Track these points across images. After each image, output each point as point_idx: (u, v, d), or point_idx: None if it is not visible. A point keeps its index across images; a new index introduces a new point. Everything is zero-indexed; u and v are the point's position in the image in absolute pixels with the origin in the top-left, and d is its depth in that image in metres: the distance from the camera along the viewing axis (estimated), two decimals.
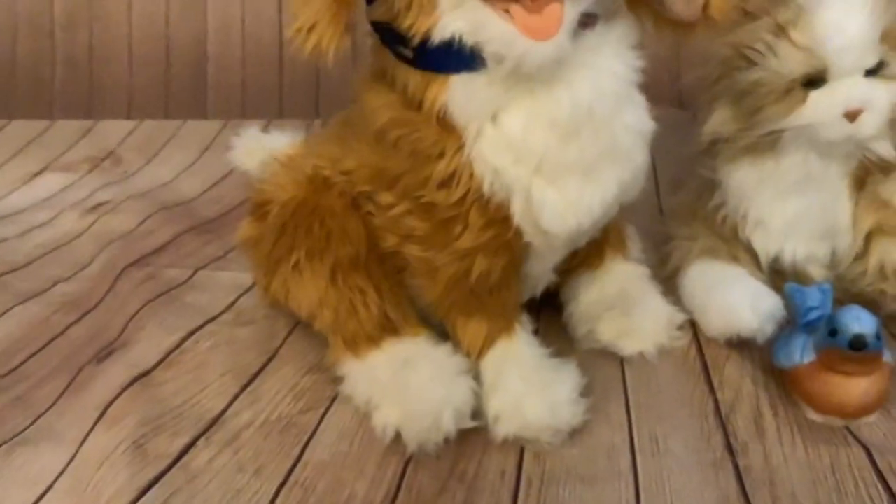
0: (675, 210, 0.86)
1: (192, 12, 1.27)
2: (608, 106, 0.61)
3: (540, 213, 0.62)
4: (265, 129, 1.11)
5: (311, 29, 0.59)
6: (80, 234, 0.99)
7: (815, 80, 0.71)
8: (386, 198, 0.67)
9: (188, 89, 1.27)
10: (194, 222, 0.99)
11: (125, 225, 0.99)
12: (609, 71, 0.62)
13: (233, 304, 0.83)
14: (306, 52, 0.59)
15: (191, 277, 0.88)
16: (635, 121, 0.64)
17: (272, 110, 1.18)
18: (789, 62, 0.70)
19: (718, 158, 0.79)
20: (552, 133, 0.61)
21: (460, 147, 0.62)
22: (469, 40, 0.58)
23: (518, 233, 0.64)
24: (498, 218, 0.63)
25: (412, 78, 0.62)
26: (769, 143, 0.75)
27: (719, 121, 0.77)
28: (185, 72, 1.27)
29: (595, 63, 0.61)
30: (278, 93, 1.19)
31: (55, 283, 0.88)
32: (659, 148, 1.04)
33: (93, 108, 1.29)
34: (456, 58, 0.59)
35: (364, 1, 0.64)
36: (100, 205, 1.04)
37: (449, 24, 0.58)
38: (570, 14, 0.57)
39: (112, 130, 1.24)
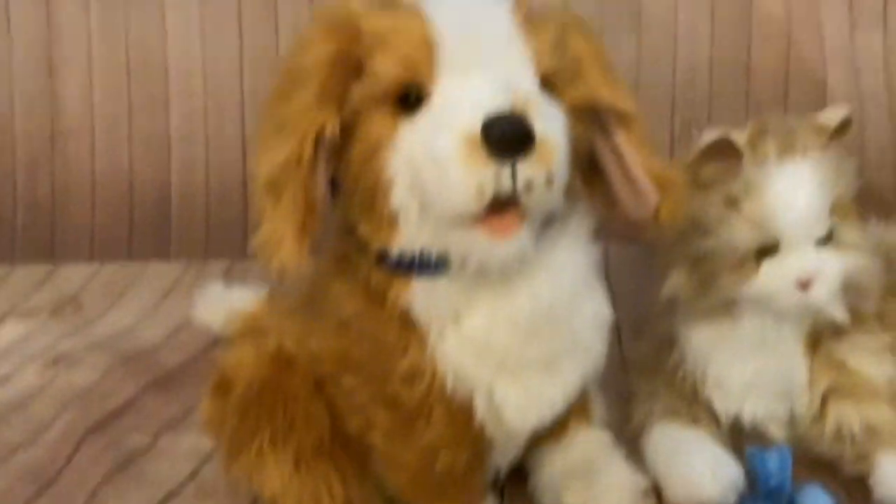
0: (637, 362, 0.88)
1: (155, 152, 1.28)
2: (567, 302, 0.63)
3: (503, 409, 0.63)
4: (229, 270, 1.13)
5: (276, 244, 0.59)
6: (39, 390, 0.96)
7: (767, 250, 0.73)
8: (350, 382, 0.67)
9: (151, 229, 1.27)
10: (155, 376, 0.98)
11: (85, 380, 0.97)
12: (567, 267, 0.63)
13: (195, 473, 0.81)
14: (270, 267, 0.60)
15: (152, 444, 0.86)
16: (594, 312, 0.66)
17: (236, 250, 1.18)
18: (741, 234, 0.72)
19: (677, 317, 0.81)
20: (513, 333, 0.62)
21: (423, 345, 0.63)
22: (433, 250, 0.60)
23: (482, 428, 0.64)
24: (461, 414, 0.64)
25: (374, 273, 0.63)
26: (726, 307, 0.76)
27: (676, 284, 0.78)
28: (148, 212, 1.27)
29: (553, 260, 0.63)
30: (242, 232, 1.19)
31: (15, 451, 0.86)
32: (620, 286, 1.06)
33: (55, 250, 1.29)
34: (418, 262, 0.61)
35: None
36: (60, 358, 1.02)
37: (411, 240, 0.60)
38: (531, 215, 0.58)
39: (73, 274, 1.23)
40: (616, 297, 1.05)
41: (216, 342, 1.01)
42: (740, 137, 0.74)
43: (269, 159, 0.60)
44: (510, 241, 0.57)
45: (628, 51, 1.23)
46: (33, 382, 0.98)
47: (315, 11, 0.62)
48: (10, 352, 1.06)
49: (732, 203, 0.73)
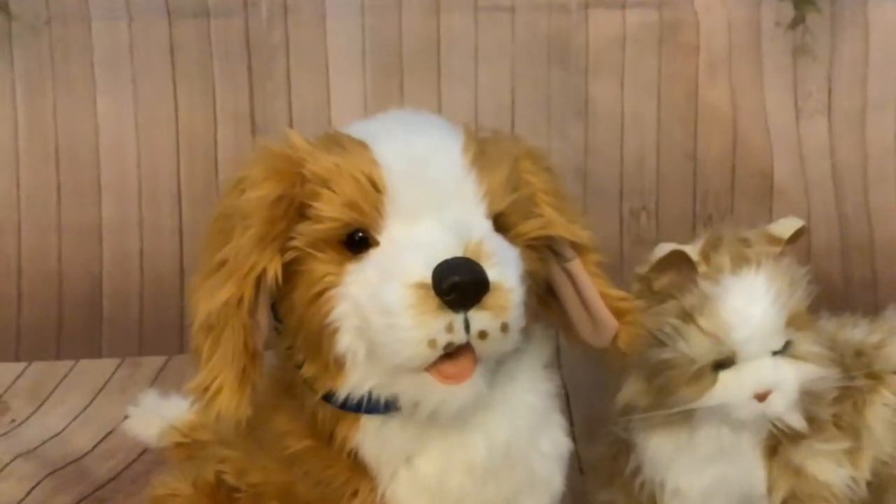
0: (593, 467, 0.86)
1: (86, 246, 1.22)
2: (524, 440, 0.60)
3: None
4: (164, 367, 1.08)
5: (215, 392, 0.56)
6: None
7: (724, 362, 0.71)
8: None
9: (82, 327, 1.21)
10: (85, 489, 0.93)
11: (12, 495, 0.92)
12: (523, 403, 0.61)
13: None
14: (208, 416, 0.56)
15: None
16: (553, 447, 0.63)
17: (172, 346, 1.13)
18: (697, 348, 0.71)
19: (633, 422, 0.79)
20: (469, 476, 0.59)
21: (374, 488, 0.60)
22: (381, 393, 0.57)
23: None
24: None
25: (321, 410, 0.60)
26: (683, 417, 0.74)
27: (632, 392, 0.77)
28: (78, 309, 1.22)
29: (509, 397, 0.60)
30: (179, 328, 1.14)
31: None
32: (575, 382, 1.04)
33: None
34: (366, 403, 0.58)
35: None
36: None
37: (359, 384, 0.57)
38: (484, 359, 0.56)
39: None
40: (571, 392, 1.05)
41: (147, 450, 0.98)
42: (693, 250, 0.74)
43: (208, 300, 0.57)
44: (463, 387, 0.54)
45: (576, 139, 1.23)
46: None
47: (257, 149, 0.60)
48: None
49: (688, 316, 0.72)
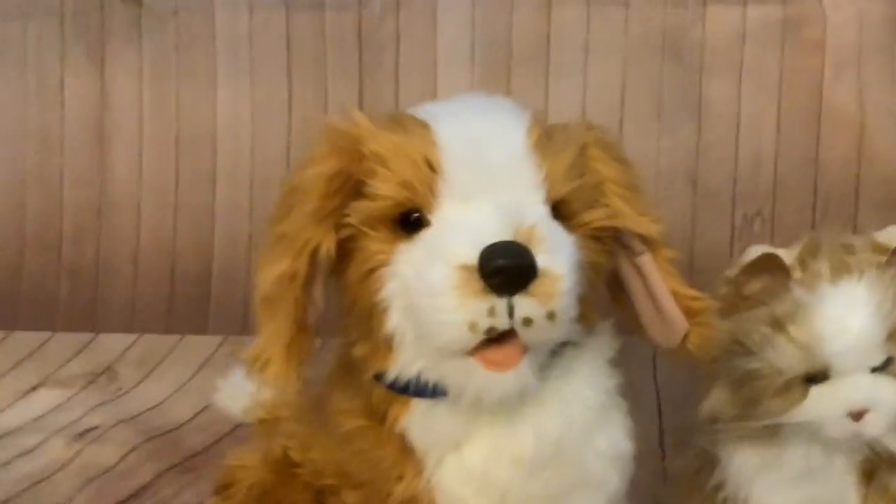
0: (676, 479, 0.81)
1: (199, 228, 1.27)
2: (578, 436, 0.58)
3: None
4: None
5: (264, 364, 0.57)
6: (63, 465, 0.96)
7: (816, 375, 0.66)
8: (350, 497, 0.64)
9: (191, 303, 1.26)
10: (177, 457, 0.97)
11: (108, 458, 0.97)
12: (579, 398, 0.59)
13: None
14: (263, 382, 0.57)
15: None
16: (609, 445, 0.60)
17: None
18: (787, 358, 0.66)
19: (720, 434, 0.74)
20: (516, 468, 0.57)
21: (420, 472, 0.59)
22: (429, 376, 0.56)
23: None
24: None
25: (376, 390, 0.60)
26: (771, 431, 0.70)
27: (717, 402, 0.73)
28: (189, 285, 1.27)
29: (564, 391, 0.58)
30: None
31: None
32: (668, 391, 1.00)
33: (96, 321, 1.28)
34: (415, 387, 0.57)
35: None
36: (88, 430, 1.02)
37: (407, 365, 0.56)
38: (532, 348, 0.54)
39: (111, 344, 1.23)
40: (663, 402, 1.03)
41: (240, 425, 1.00)
42: (789, 254, 0.69)
43: (266, 273, 0.58)
44: (508, 375, 0.53)
45: (687, 139, 1.18)
46: (58, 456, 0.98)
47: (323, 127, 0.60)
48: (40, 421, 1.06)
49: (778, 325, 0.67)
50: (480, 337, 0.52)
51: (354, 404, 0.63)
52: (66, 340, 1.25)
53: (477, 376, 0.53)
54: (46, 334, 1.26)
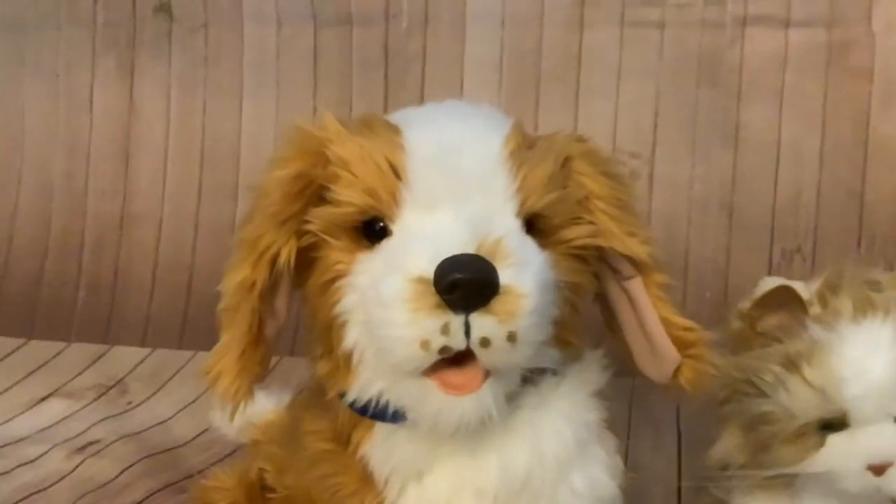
0: None
1: (219, 242, 1.24)
2: (549, 472, 0.54)
3: None
4: (276, 367, 1.08)
5: (216, 376, 0.55)
6: (61, 478, 0.95)
7: (833, 423, 0.61)
8: None
9: (206, 319, 1.22)
10: (173, 477, 0.94)
11: (106, 473, 0.95)
12: (553, 431, 0.54)
13: None
14: (214, 398, 0.55)
15: None
16: (587, 485, 0.55)
17: (284, 347, 1.13)
18: (801, 403, 0.61)
19: (732, 482, 0.69)
20: (480, 502, 0.53)
21: (379, 502, 0.55)
22: (388, 398, 0.52)
23: None
24: None
25: (342, 411, 0.57)
26: (784, 481, 0.65)
27: (728, 447, 0.67)
28: (204, 301, 1.23)
29: (536, 422, 0.54)
30: (294, 329, 1.14)
31: None
32: (690, 434, 0.94)
33: (110, 333, 1.28)
34: (375, 409, 0.53)
35: None
36: (90, 444, 1.01)
37: (365, 386, 0.53)
38: (495, 372, 0.50)
39: (124, 357, 1.22)
40: (685, 443, 0.97)
41: (241, 446, 0.96)
42: (806, 289, 0.64)
43: (228, 280, 0.56)
44: (466, 400, 0.49)
45: (723, 168, 1.12)
46: (57, 468, 0.97)
47: (288, 129, 0.58)
48: (46, 432, 1.05)
49: (792, 364, 0.62)
50: (434, 357, 0.48)
51: (322, 426, 0.59)
52: (80, 351, 1.24)
53: (433, 399, 0.49)
54: (61, 345, 1.25)
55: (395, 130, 0.54)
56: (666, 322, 0.56)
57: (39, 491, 0.93)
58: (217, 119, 1.27)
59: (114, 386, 1.15)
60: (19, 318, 1.30)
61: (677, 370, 0.57)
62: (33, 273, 1.32)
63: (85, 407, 1.10)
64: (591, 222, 0.55)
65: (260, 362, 0.56)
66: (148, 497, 0.91)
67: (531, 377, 0.54)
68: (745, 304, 0.66)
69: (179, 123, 1.28)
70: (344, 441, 0.58)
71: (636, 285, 0.57)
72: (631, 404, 1.00)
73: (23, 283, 1.33)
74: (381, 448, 0.55)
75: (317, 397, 0.60)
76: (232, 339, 0.56)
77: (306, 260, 0.55)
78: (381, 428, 0.55)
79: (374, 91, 1.21)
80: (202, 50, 1.26)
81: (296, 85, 1.24)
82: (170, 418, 1.08)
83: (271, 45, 1.24)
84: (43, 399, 1.12)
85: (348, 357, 0.53)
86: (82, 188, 1.32)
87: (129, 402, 1.12)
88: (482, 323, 0.47)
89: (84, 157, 1.32)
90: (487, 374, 0.50)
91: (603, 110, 1.14)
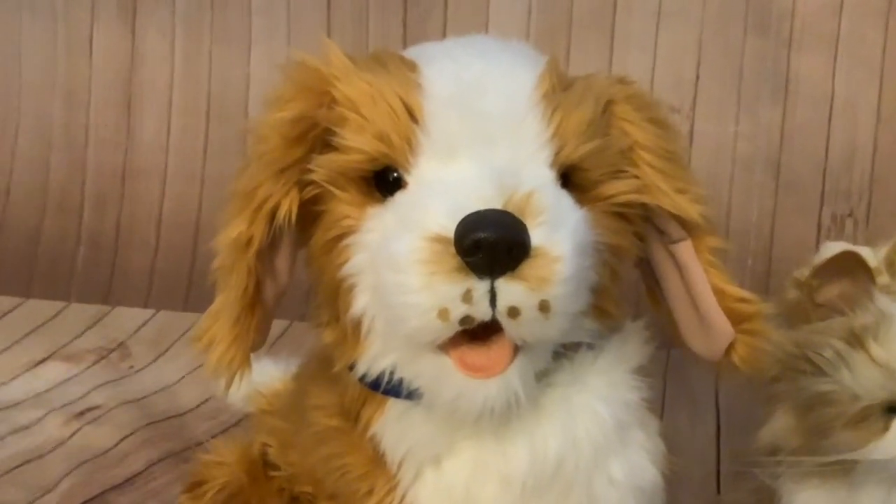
0: None
1: (225, 197, 1.20)
2: (585, 458, 0.48)
3: None
4: (286, 331, 1.06)
5: (208, 343, 0.49)
6: (56, 446, 0.91)
7: None
8: None
9: (212, 280, 1.19)
10: (175, 446, 0.90)
11: (104, 441, 0.91)
12: (589, 413, 0.48)
13: None
14: (206, 368, 0.49)
15: None
16: (627, 473, 0.50)
17: (295, 311, 1.08)
18: (866, 382, 0.57)
19: (781, 468, 0.65)
20: (505, 491, 0.47)
21: (393, 488, 0.50)
22: (399, 373, 0.47)
23: None
24: None
25: (351, 386, 0.51)
26: (842, 469, 0.61)
27: (779, 429, 0.63)
28: (211, 262, 1.18)
29: (570, 402, 0.48)
30: (304, 292, 1.09)
31: None
32: (731, 416, 0.89)
33: (112, 292, 1.23)
34: (387, 385, 0.48)
35: None
36: (89, 409, 0.96)
37: (376, 358, 0.47)
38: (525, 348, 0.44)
39: (126, 319, 1.17)
40: (724, 423, 0.91)
41: (248, 415, 0.92)
42: (874, 255, 0.59)
43: (222, 236, 0.51)
44: (491, 383, 0.43)
45: (770, 124, 1.07)
46: (52, 435, 0.93)
47: (289, 62, 0.51)
48: (43, 396, 1.01)
49: (857, 340, 0.58)
50: (454, 328, 0.42)
51: (329, 400, 0.54)
52: (80, 312, 1.20)
53: (452, 381, 0.44)
54: (60, 304, 1.21)
55: (411, 67, 0.48)
56: (719, 292, 0.50)
57: (32, 460, 0.89)
58: (224, 67, 1.22)
59: (115, 349, 1.11)
60: (16, 276, 1.25)
61: (730, 347, 0.50)
62: (31, 229, 1.27)
63: (84, 371, 1.06)
64: (635, 176, 0.49)
65: (257, 329, 0.50)
66: (148, 467, 0.87)
67: (565, 352, 0.48)
68: (804, 272, 0.62)
69: (184, 71, 1.23)
70: (353, 418, 0.52)
71: (685, 249, 0.50)
72: (665, 377, 0.95)
73: (20, 240, 1.28)
74: (394, 427, 0.50)
75: (323, 368, 0.55)
76: (226, 301, 0.50)
77: (310, 214, 0.49)
78: (394, 405, 0.50)
79: (393, 38, 1.15)
80: None
81: (308, 30, 1.17)
82: (173, 384, 1.03)
83: None
84: (40, 362, 1.08)
85: (357, 325, 0.48)
86: (82, 139, 1.27)
87: (131, 367, 1.08)
88: (510, 290, 0.41)
89: (84, 106, 1.26)
90: (515, 350, 0.44)
91: (640, 59, 1.09)
